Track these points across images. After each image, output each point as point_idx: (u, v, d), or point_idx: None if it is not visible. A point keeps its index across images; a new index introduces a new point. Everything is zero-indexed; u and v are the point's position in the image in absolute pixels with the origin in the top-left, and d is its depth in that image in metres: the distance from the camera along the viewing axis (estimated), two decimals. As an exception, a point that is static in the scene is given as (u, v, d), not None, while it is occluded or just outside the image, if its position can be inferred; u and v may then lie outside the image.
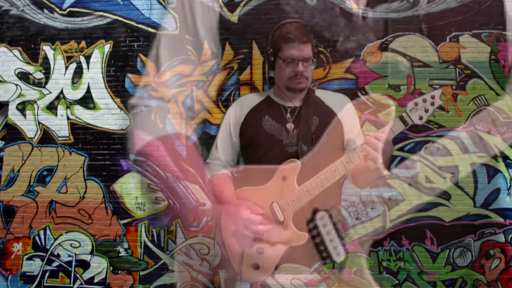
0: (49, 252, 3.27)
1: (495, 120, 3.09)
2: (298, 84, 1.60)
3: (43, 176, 3.37)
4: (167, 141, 3.28)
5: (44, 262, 3.26)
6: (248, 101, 1.74)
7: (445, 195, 3.07)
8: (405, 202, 3.09)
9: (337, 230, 1.53)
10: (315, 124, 1.58)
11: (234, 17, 3.38)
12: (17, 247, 3.30)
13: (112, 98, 3.39)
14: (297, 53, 1.55)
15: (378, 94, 3.20)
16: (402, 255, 3.04)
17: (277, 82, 1.70)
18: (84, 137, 3.38)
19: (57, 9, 3.54)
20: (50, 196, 3.34)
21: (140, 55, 3.40)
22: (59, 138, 3.40)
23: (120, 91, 3.39)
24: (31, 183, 3.37)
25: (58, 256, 3.27)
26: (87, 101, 3.42)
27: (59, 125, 3.42)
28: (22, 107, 3.46)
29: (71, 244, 3.27)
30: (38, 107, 3.45)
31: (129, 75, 3.39)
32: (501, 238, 2.99)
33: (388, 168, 3.10)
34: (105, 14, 3.49)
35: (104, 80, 3.41)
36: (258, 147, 1.61)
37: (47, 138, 3.41)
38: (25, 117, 3.45)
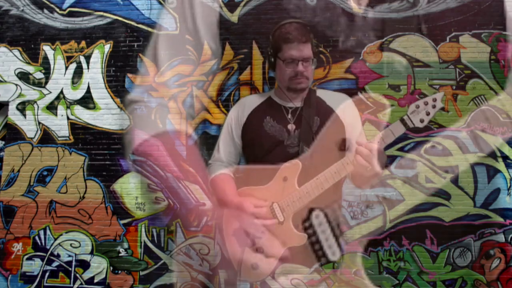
0: (49, 252, 3.27)
1: (495, 120, 3.09)
2: (299, 84, 1.60)
3: (43, 176, 3.37)
4: (167, 141, 3.28)
5: (44, 262, 3.26)
6: (249, 102, 1.74)
7: (445, 195, 3.07)
8: (405, 202, 3.09)
9: (332, 229, 1.53)
10: (316, 125, 1.58)
11: (234, 17, 3.38)
12: (17, 247, 3.30)
13: (112, 98, 3.39)
14: (296, 53, 1.55)
15: (378, 94, 3.20)
16: (402, 255, 3.04)
17: (278, 83, 1.70)
18: (84, 137, 3.38)
19: (57, 9, 3.54)
20: (50, 196, 3.34)
21: (140, 55, 3.40)
22: (59, 138, 3.40)
23: (120, 91, 3.39)
24: (31, 183, 3.37)
25: (58, 256, 3.27)
26: (87, 101, 3.42)
27: (59, 125, 3.42)
28: (22, 107, 3.46)
29: (71, 244, 3.27)
30: (38, 107, 3.45)
31: (129, 75, 3.39)
32: (501, 238, 2.99)
33: (388, 167, 3.10)
34: (105, 14, 3.49)
35: (104, 80, 3.41)
36: (260, 148, 1.61)
37: (47, 138, 3.41)
38: (25, 117, 3.45)
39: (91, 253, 3.25)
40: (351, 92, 3.15)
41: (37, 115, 3.44)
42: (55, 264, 3.26)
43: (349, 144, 1.65)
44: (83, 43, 3.47)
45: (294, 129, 1.60)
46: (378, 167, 1.41)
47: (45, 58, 3.50)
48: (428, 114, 1.41)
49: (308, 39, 1.60)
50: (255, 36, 3.33)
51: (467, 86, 3.15)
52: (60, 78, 3.46)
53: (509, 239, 2.98)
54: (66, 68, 3.47)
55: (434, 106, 1.41)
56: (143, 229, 3.22)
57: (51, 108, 3.44)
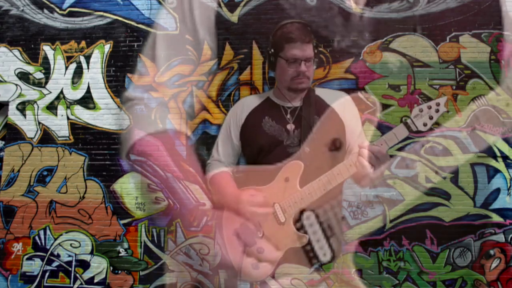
0: (49, 252, 3.27)
1: (495, 120, 3.09)
2: (300, 84, 1.60)
3: (43, 176, 3.37)
4: (167, 141, 3.29)
5: (44, 262, 3.26)
6: (248, 103, 1.74)
7: (445, 195, 3.07)
8: (405, 202, 3.09)
9: (323, 231, 1.52)
10: (316, 124, 1.58)
11: (234, 17, 3.38)
12: (17, 247, 3.30)
13: (112, 98, 3.39)
14: (299, 53, 1.55)
15: (378, 94, 3.20)
16: (402, 255, 3.04)
17: (278, 83, 1.69)
18: (84, 137, 3.38)
19: (57, 9, 3.54)
20: (50, 196, 3.34)
21: (140, 55, 3.40)
22: (59, 138, 3.40)
23: (120, 91, 3.39)
24: (31, 183, 3.37)
25: (58, 256, 3.27)
26: (87, 101, 3.42)
27: (59, 125, 3.42)
28: (22, 107, 3.46)
29: (71, 244, 3.27)
30: (38, 107, 3.45)
31: (129, 75, 3.39)
32: (501, 238, 2.99)
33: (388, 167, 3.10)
34: (105, 14, 3.49)
35: (104, 80, 3.41)
36: (259, 149, 1.60)
37: (47, 138, 3.41)
38: (25, 117, 3.45)
39: (91, 253, 3.25)
40: (351, 92, 3.15)
41: (37, 115, 3.44)
42: (55, 264, 3.26)
43: (350, 144, 1.64)
44: (83, 43, 3.47)
45: (294, 128, 1.60)
46: (381, 169, 1.41)
47: (45, 58, 3.50)
48: (431, 118, 1.41)
49: (310, 39, 1.60)
50: (255, 36, 3.33)
51: (467, 86, 3.15)
52: (60, 78, 3.46)
53: (509, 239, 2.98)
54: (66, 68, 3.47)
55: (437, 111, 1.41)
56: (143, 229, 3.22)
57: (51, 108, 3.44)
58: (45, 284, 3.24)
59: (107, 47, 3.44)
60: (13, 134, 3.44)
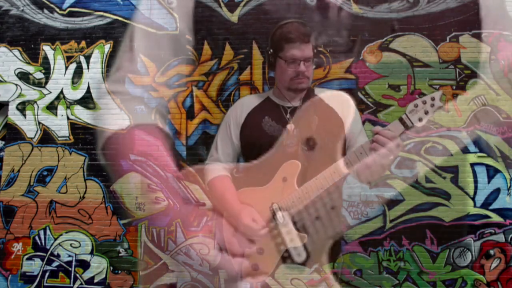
0: (49, 252, 3.27)
1: (495, 120, 3.09)
2: (300, 84, 1.60)
3: (43, 176, 3.37)
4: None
5: (44, 262, 3.26)
6: (247, 102, 1.73)
7: (445, 195, 3.07)
8: (405, 202, 3.09)
9: (298, 230, 1.51)
10: (315, 124, 1.57)
11: (234, 17, 3.38)
12: (17, 247, 3.30)
13: (112, 98, 3.38)
14: (298, 53, 1.55)
15: (378, 94, 3.20)
16: (402, 255, 3.04)
17: (277, 83, 1.69)
18: (84, 137, 3.38)
19: (57, 9, 3.54)
20: (50, 196, 3.34)
21: (140, 55, 3.40)
22: (59, 138, 3.40)
23: (120, 91, 3.39)
24: (31, 183, 3.37)
25: (58, 256, 3.27)
26: (87, 101, 3.41)
27: (59, 125, 3.42)
28: (22, 107, 3.46)
29: (71, 244, 3.27)
30: (38, 107, 3.45)
31: (129, 75, 3.39)
32: (501, 238, 2.99)
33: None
34: (105, 14, 3.49)
35: (104, 80, 3.41)
36: (259, 148, 1.60)
37: (47, 138, 3.41)
38: (25, 117, 3.45)
39: (91, 253, 3.25)
40: (351, 92, 3.15)
41: (37, 115, 3.44)
42: (55, 264, 3.26)
43: (350, 143, 1.64)
44: (83, 43, 3.47)
45: (293, 128, 1.60)
46: (394, 153, 1.40)
47: (45, 58, 3.50)
48: (426, 113, 1.40)
49: (309, 39, 1.60)
50: (255, 36, 3.33)
51: (467, 86, 3.15)
52: (60, 78, 3.46)
53: (509, 239, 2.98)
54: (66, 68, 3.47)
55: (432, 105, 1.40)
56: (143, 229, 3.22)
57: (51, 108, 3.44)
58: (45, 284, 3.24)
59: (107, 47, 3.44)
60: (13, 134, 3.45)
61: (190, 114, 3.32)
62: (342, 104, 1.67)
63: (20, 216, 3.33)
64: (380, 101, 3.19)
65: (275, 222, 1.50)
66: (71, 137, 3.39)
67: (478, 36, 3.19)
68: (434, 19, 3.23)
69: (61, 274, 3.25)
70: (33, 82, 3.48)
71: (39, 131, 3.42)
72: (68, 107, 3.42)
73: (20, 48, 3.52)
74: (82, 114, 3.40)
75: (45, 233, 3.30)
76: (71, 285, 3.23)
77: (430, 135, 3.12)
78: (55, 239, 3.28)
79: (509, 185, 3.04)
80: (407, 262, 3.03)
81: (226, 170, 1.72)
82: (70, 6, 3.53)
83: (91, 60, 3.45)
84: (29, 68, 3.50)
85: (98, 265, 3.23)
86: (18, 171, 3.39)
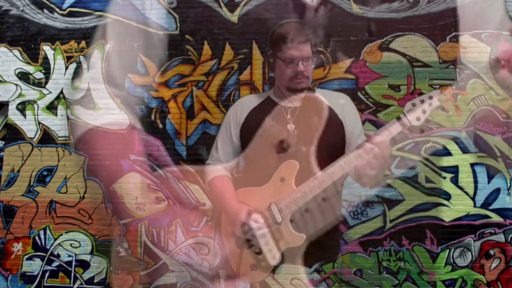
0: (49, 252, 3.27)
1: (494, 120, 3.09)
2: (299, 84, 1.60)
3: (43, 176, 3.37)
4: (166, 141, 3.29)
5: (44, 262, 3.26)
6: (248, 102, 1.73)
7: (445, 195, 3.07)
8: (405, 202, 3.09)
9: (271, 233, 1.51)
10: (315, 124, 1.57)
11: (234, 17, 3.38)
12: (17, 247, 3.30)
13: (112, 98, 3.38)
14: (296, 53, 1.55)
15: (378, 94, 3.20)
16: (402, 255, 3.03)
17: (277, 83, 1.69)
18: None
19: (57, 9, 3.54)
20: (50, 196, 3.34)
21: (140, 55, 3.40)
22: (59, 138, 3.40)
23: (120, 91, 3.39)
24: (31, 183, 3.37)
25: (58, 256, 3.27)
26: (87, 101, 3.41)
27: (59, 125, 3.42)
28: (22, 107, 3.46)
29: (71, 244, 3.27)
30: (38, 107, 3.45)
31: (129, 75, 3.39)
32: (501, 238, 2.99)
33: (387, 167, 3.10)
34: (105, 14, 3.49)
35: (104, 80, 3.41)
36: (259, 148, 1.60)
37: (47, 138, 3.41)
38: (25, 117, 3.45)
39: (91, 253, 3.25)
40: (351, 92, 3.16)
41: (37, 115, 3.44)
42: (55, 264, 3.26)
43: (350, 145, 1.64)
44: (83, 43, 3.47)
45: (294, 129, 1.59)
46: (381, 163, 1.40)
47: (45, 58, 3.50)
48: (424, 112, 1.40)
49: (308, 38, 1.59)
50: (255, 36, 3.33)
51: (467, 86, 3.15)
52: (60, 78, 3.46)
53: (509, 239, 2.98)
54: (66, 68, 3.47)
55: (430, 104, 1.40)
56: (143, 229, 3.22)
57: (51, 108, 3.44)
58: (45, 284, 3.24)
59: (107, 47, 3.44)
60: (13, 134, 3.45)
61: (190, 114, 3.32)
62: (342, 105, 1.67)
63: (20, 216, 3.33)
64: (380, 101, 3.19)
65: (249, 225, 1.50)
66: (71, 137, 3.39)
67: (478, 36, 3.19)
68: (434, 19, 3.23)
69: (61, 274, 3.25)
70: (33, 82, 3.48)
71: (39, 131, 3.42)
72: (68, 107, 3.42)
73: (20, 48, 3.52)
74: (82, 114, 3.40)
75: (45, 233, 3.30)
76: (71, 285, 3.23)
77: (430, 135, 3.12)
78: (55, 239, 3.28)
79: (509, 185, 3.04)
80: (407, 262, 3.02)
81: (226, 170, 1.72)
82: (70, 6, 3.53)
83: (91, 60, 3.45)
84: (29, 68, 3.50)
85: (98, 265, 3.23)
86: (18, 171, 3.39)
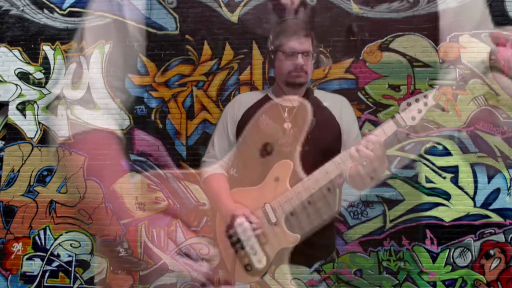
0: (49, 252, 3.27)
1: (494, 120, 3.09)
2: (298, 78, 1.59)
3: (43, 176, 3.37)
4: (166, 141, 3.29)
5: (44, 262, 3.26)
6: (245, 99, 1.73)
7: (445, 195, 3.07)
8: (405, 202, 3.08)
9: (257, 237, 1.50)
10: (312, 125, 1.57)
11: (234, 17, 3.38)
12: (17, 247, 3.30)
13: (112, 98, 3.38)
14: (297, 45, 1.55)
15: (378, 94, 3.20)
16: (402, 255, 3.03)
17: (276, 79, 1.69)
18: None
19: (57, 9, 3.54)
20: (50, 196, 3.34)
21: (140, 55, 3.40)
22: (59, 138, 3.40)
23: (120, 91, 3.39)
24: (31, 183, 3.37)
25: (58, 256, 3.27)
26: (87, 101, 3.41)
27: (59, 125, 3.41)
28: (22, 107, 3.46)
29: (71, 244, 3.27)
30: (38, 107, 3.45)
31: (129, 75, 3.39)
32: (501, 238, 2.99)
33: (388, 167, 3.09)
34: (105, 14, 3.49)
35: (104, 80, 3.41)
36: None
37: (47, 138, 3.41)
38: (25, 117, 3.45)
39: (91, 253, 3.25)
40: (351, 92, 3.16)
41: (37, 115, 3.44)
42: (55, 264, 3.26)
43: (346, 147, 1.63)
44: (83, 43, 3.47)
45: (290, 127, 1.59)
46: (382, 154, 1.39)
47: (45, 58, 3.50)
48: (419, 111, 1.40)
49: (309, 34, 1.61)
50: (255, 36, 3.33)
51: (467, 86, 3.15)
52: (60, 78, 3.46)
53: (509, 239, 2.98)
54: (66, 68, 3.47)
55: (425, 104, 1.39)
56: (143, 229, 3.22)
57: (51, 108, 3.43)
58: (45, 284, 3.24)
59: (107, 47, 3.44)
60: (13, 134, 3.44)
61: (190, 114, 3.32)
62: (340, 107, 1.67)
63: (20, 216, 3.33)
64: (380, 101, 3.19)
65: (234, 229, 1.50)
66: (71, 137, 3.38)
67: (478, 36, 3.19)
68: (434, 19, 3.23)
69: (61, 274, 3.25)
70: (33, 82, 3.48)
71: (39, 131, 3.42)
72: (68, 107, 3.42)
73: (20, 48, 3.52)
74: (82, 114, 3.40)
75: (45, 233, 3.30)
76: (71, 285, 3.22)
77: (430, 135, 3.12)
78: (55, 239, 3.28)
79: (509, 185, 3.04)
80: (407, 262, 3.02)
81: (222, 168, 1.72)
82: (70, 6, 3.53)
83: (91, 60, 3.45)
84: (29, 68, 3.50)
85: (98, 265, 3.23)
86: (18, 171, 3.39)
